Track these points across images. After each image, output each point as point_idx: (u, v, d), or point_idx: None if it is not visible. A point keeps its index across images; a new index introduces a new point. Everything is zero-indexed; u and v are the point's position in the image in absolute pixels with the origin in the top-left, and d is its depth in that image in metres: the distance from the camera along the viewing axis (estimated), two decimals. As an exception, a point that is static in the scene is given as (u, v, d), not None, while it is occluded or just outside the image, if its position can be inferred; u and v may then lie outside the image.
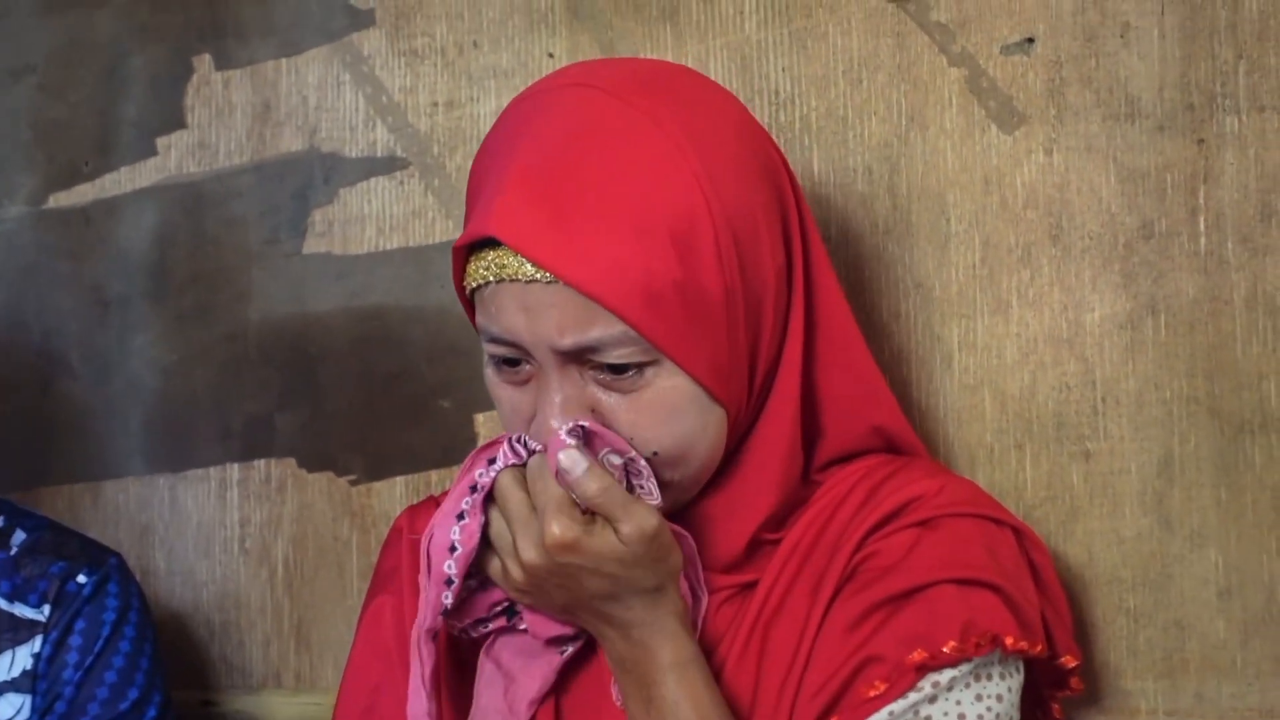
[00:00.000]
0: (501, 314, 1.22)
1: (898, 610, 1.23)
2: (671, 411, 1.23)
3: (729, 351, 1.24)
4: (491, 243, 1.22)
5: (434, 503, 1.42)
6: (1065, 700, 1.37)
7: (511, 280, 1.20)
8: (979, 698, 1.22)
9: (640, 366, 1.22)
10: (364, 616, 1.41)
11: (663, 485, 1.25)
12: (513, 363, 1.25)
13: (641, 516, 1.19)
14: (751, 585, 1.30)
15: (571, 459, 1.19)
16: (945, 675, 1.21)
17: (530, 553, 1.20)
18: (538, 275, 1.19)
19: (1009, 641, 1.22)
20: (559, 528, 1.18)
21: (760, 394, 1.29)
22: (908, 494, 1.28)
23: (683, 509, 1.30)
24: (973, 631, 1.21)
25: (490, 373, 1.28)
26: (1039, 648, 1.25)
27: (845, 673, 1.22)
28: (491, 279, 1.22)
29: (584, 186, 1.19)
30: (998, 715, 1.23)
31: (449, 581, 1.24)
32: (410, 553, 1.39)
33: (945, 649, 1.20)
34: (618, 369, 1.22)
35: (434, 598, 1.25)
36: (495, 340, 1.25)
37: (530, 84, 1.31)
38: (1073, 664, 1.31)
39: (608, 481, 1.19)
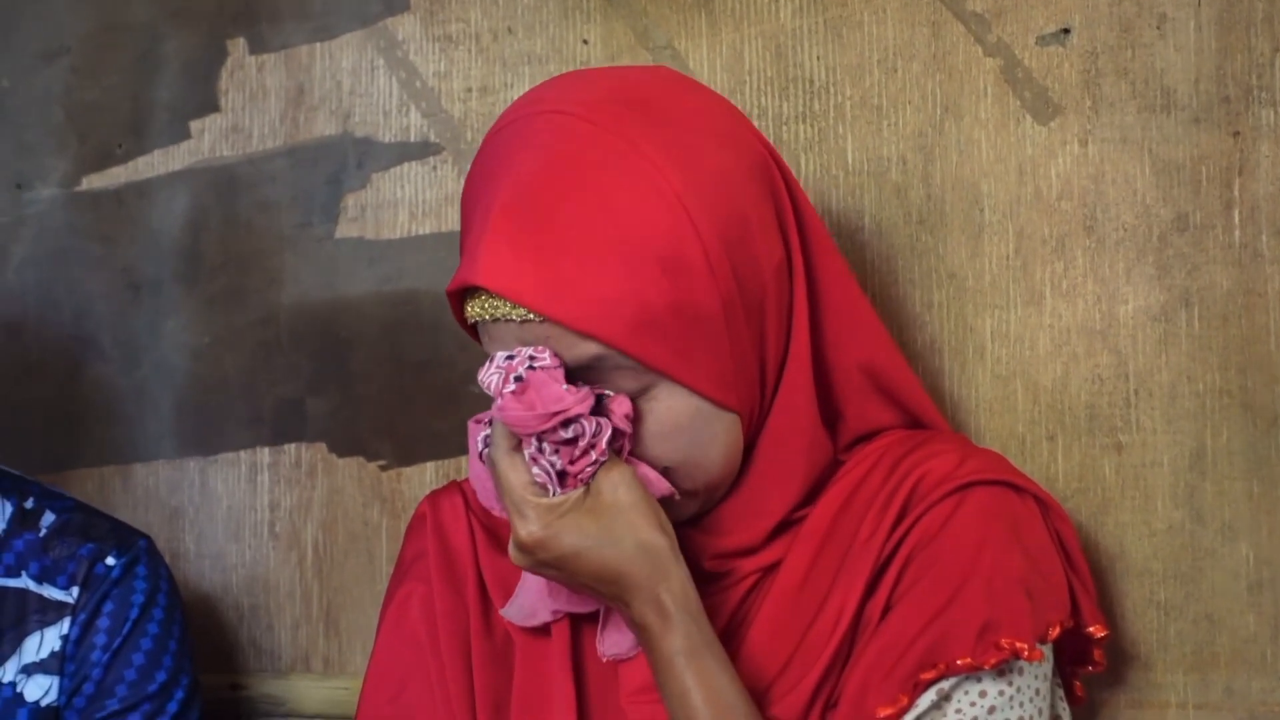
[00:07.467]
0: (504, 346, 1.24)
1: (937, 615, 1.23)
2: (676, 429, 1.24)
3: (734, 359, 1.25)
4: None
5: (456, 487, 1.43)
6: (1095, 690, 1.36)
7: (506, 320, 1.22)
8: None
9: (644, 388, 1.23)
10: (390, 604, 1.41)
11: (686, 493, 1.27)
12: None
13: (608, 470, 1.23)
14: (774, 567, 1.30)
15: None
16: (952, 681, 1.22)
17: (514, 553, 1.25)
18: (530, 316, 1.21)
19: (1025, 652, 1.21)
20: (524, 530, 1.22)
21: (773, 388, 1.29)
22: (928, 473, 1.27)
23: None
24: (989, 646, 1.21)
25: None
26: (1055, 632, 1.24)
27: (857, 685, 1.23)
28: (487, 317, 1.23)
29: (567, 223, 1.20)
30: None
31: None
32: (436, 538, 1.40)
33: (960, 661, 1.21)
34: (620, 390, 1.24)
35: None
36: None
37: (554, 75, 1.31)
38: (1100, 634, 1.31)
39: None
